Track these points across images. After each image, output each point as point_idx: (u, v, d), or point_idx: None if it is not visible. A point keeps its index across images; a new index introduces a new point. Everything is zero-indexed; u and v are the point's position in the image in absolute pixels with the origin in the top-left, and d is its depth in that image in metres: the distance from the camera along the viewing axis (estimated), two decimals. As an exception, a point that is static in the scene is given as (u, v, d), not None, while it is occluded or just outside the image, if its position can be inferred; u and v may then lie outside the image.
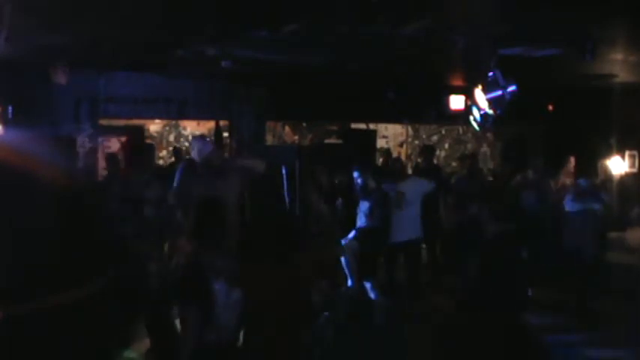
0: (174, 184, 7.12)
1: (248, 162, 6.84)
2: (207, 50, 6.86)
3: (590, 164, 9.89)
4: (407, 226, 7.53)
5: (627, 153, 10.60)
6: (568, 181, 9.66)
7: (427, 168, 9.49)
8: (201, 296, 3.62)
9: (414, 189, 7.69)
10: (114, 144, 11.27)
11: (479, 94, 6.63)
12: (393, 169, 8.36)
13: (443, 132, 14.49)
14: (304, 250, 4.47)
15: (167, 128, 13.37)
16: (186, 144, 11.80)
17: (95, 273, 4.53)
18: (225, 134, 10.80)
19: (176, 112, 9.47)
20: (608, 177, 9.82)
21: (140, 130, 11.95)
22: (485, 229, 4.53)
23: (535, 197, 9.24)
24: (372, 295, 6.76)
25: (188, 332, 3.71)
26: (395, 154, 12.68)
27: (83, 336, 4.20)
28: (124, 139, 11.36)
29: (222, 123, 10.61)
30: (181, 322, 3.89)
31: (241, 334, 4.00)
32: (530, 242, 8.85)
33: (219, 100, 9.60)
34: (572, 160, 9.73)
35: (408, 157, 14.13)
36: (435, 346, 4.26)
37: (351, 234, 7.44)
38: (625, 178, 10.04)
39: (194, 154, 7.87)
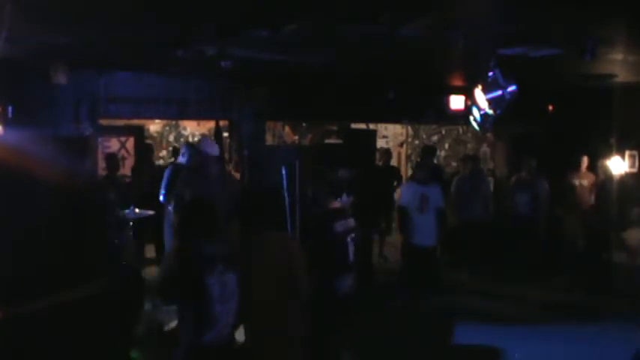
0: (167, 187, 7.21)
1: None
2: (207, 50, 6.86)
3: (590, 164, 9.90)
4: (428, 231, 7.53)
5: (627, 153, 10.60)
6: (585, 181, 9.70)
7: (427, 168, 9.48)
8: (194, 294, 3.61)
9: (437, 196, 7.66)
10: (114, 144, 11.29)
11: (479, 94, 6.62)
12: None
13: (443, 132, 14.50)
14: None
15: (167, 128, 13.39)
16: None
17: (96, 273, 4.53)
18: (225, 134, 10.81)
19: (176, 112, 9.46)
20: (608, 177, 9.82)
21: (140, 130, 11.96)
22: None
23: (528, 197, 9.27)
24: None
25: (184, 331, 3.71)
26: (395, 154, 12.70)
27: (83, 336, 4.20)
28: (124, 138, 11.39)
29: (222, 123, 10.61)
30: (178, 322, 3.89)
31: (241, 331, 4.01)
32: (522, 241, 8.95)
33: (219, 100, 9.59)
34: (586, 159, 9.74)
35: (408, 157, 14.14)
36: None
37: None
38: (625, 178, 10.03)
39: (181, 159, 8.02)
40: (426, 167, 8.37)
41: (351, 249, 5.14)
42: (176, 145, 12.81)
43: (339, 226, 5.07)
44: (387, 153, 10.96)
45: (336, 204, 5.29)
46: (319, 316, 4.52)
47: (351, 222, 5.25)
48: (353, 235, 5.18)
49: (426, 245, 7.55)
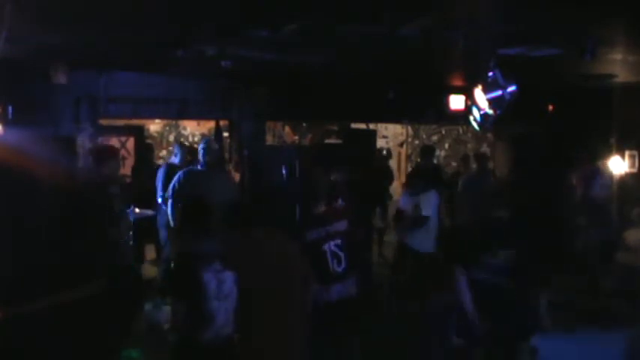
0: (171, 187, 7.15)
1: None
2: (207, 50, 6.86)
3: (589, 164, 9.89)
4: (422, 237, 7.51)
5: (627, 153, 10.60)
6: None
7: (427, 168, 9.48)
8: (189, 292, 3.61)
9: (427, 203, 7.61)
10: (114, 144, 11.29)
11: (479, 94, 6.61)
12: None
13: (443, 132, 14.51)
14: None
15: (167, 128, 13.39)
16: (186, 144, 11.79)
17: (95, 273, 4.53)
18: (225, 134, 10.81)
19: (176, 112, 9.47)
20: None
21: (140, 130, 11.96)
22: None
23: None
24: None
25: (177, 328, 3.70)
26: (395, 154, 12.71)
27: (83, 336, 4.20)
28: (124, 138, 11.39)
29: (222, 123, 10.61)
30: (172, 319, 3.89)
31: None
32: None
33: (219, 100, 9.60)
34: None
35: (408, 157, 14.15)
36: None
37: None
38: (625, 178, 10.03)
39: (174, 159, 8.08)
40: (419, 178, 8.21)
41: (335, 256, 4.70)
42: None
43: (314, 234, 4.68)
44: (381, 153, 10.99)
45: (324, 209, 4.92)
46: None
47: (339, 226, 4.85)
48: (339, 241, 4.76)
49: (421, 250, 7.57)
